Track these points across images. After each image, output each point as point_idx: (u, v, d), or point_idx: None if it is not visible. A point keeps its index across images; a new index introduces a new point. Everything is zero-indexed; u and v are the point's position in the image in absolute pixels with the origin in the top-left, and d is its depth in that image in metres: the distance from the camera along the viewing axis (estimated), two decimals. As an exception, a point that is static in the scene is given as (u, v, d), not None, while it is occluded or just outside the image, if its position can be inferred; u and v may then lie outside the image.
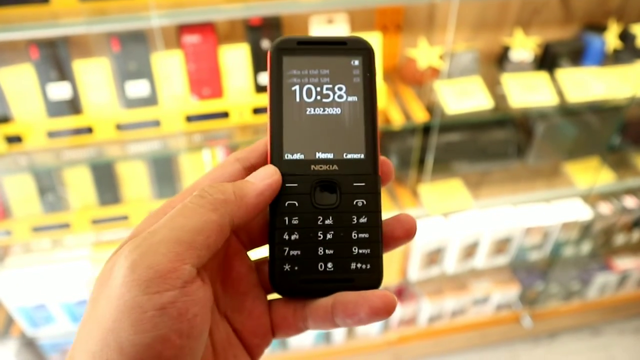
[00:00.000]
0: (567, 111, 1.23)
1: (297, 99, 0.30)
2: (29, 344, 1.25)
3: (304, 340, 1.43)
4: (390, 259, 1.24)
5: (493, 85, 1.12)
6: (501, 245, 1.34)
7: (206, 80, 0.96)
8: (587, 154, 1.35)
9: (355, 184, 0.29)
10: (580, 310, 1.62)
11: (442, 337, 1.54)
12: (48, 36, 0.89)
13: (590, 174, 1.33)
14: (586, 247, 1.46)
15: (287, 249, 0.28)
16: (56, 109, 0.93)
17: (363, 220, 0.29)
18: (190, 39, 0.92)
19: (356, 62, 0.30)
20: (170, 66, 0.94)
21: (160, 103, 0.96)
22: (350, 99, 0.30)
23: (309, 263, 0.28)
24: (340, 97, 0.30)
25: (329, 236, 0.28)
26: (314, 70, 0.30)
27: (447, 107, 1.05)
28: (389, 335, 1.48)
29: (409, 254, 1.29)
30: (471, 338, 1.56)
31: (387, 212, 1.22)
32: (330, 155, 0.29)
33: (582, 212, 1.36)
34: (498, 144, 1.22)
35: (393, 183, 1.28)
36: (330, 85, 0.30)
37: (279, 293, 0.29)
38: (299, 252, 0.28)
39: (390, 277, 1.31)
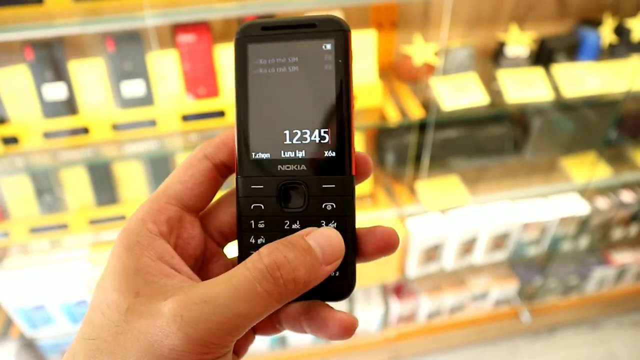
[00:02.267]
0: (564, 106, 1.23)
1: (264, 92, 0.27)
2: (29, 345, 1.25)
3: (303, 338, 1.43)
4: (388, 256, 1.24)
5: (489, 81, 1.12)
6: (499, 241, 1.34)
7: (202, 80, 0.96)
8: (583, 148, 1.35)
9: (324, 186, 0.26)
10: (579, 304, 1.62)
11: (441, 334, 1.54)
12: (43, 37, 0.89)
13: (587, 168, 1.34)
14: (584, 242, 1.46)
15: (254, 252, 0.27)
16: (52, 109, 0.93)
17: (332, 225, 0.26)
18: (185, 38, 0.92)
19: (328, 47, 0.27)
20: (165, 66, 0.94)
21: (156, 103, 0.96)
22: (321, 89, 0.27)
23: None
24: (310, 88, 0.27)
25: None
26: (281, 58, 0.27)
27: (443, 104, 1.05)
28: (388, 332, 1.48)
29: (407, 250, 1.29)
30: (470, 334, 1.57)
31: (385, 210, 1.22)
32: (299, 154, 0.27)
33: (580, 207, 1.36)
34: (494, 139, 1.22)
35: (390, 180, 1.28)
36: (300, 75, 0.27)
37: None
38: None
39: (388, 274, 1.31)
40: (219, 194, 0.31)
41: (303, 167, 0.27)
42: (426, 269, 1.35)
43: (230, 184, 0.30)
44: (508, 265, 1.55)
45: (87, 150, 0.98)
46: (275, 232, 0.27)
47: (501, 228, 1.30)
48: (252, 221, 0.27)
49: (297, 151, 0.27)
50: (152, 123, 0.96)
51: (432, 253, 1.31)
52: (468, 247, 1.33)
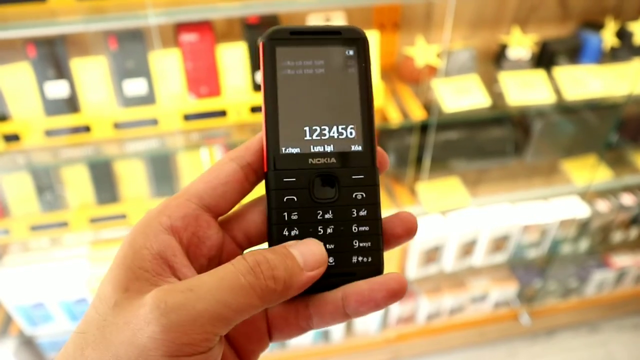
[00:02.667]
0: (565, 109, 1.23)
1: (292, 91, 0.29)
2: (28, 342, 1.25)
3: (303, 338, 1.43)
4: (389, 257, 1.25)
5: (490, 83, 1.12)
6: (499, 243, 1.34)
7: (204, 79, 0.96)
8: (584, 151, 1.36)
9: (354, 177, 0.28)
10: (578, 307, 1.62)
11: (441, 335, 1.54)
12: (45, 34, 0.89)
13: (588, 171, 1.34)
14: (584, 245, 1.46)
15: None
16: (54, 107, 0.93)
17: (363, 213, 0.28)
18: (188, 37, 0.92)
19: (351, 52, 0.29)
20: (167, 65, 0.94)
21: (158, 101, 0.96)
22: (346, 90, 0.29)
23: None
24: (335, 88, 0.29)
25: (329, 230, 0.28)
26: (308, 61, 0.29)
27: (444, 105, 1.05)
28: (387, 333, 1.48)
29: (407, 252, 1.29)
30: (469, 336, 1.57)
31: (386, 211, 1.23)
32: (328, 148, 0.29)
33: (580, 210, 1.36)
34: (496, 141, 1.22)
35: (391, 181, 1.28)
36: (325, 77, 0.29)
37: None
38: None
39: (388, 275, 1.31)
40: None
41: (333, 160, 0.28)
42: (426, 270, 1.35)
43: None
44: (508, 267, 1.55)
45: (89, 149, 0.98)
46: (308, 222, 0.28)
47: (501, 230, 1.30)
48: (285, 213, 0.28)
49: (325, 145, 0.29)
50: (154, 122, 0.96)
51: (432, 254, 1.31)
52: (468, 248, 1.33)
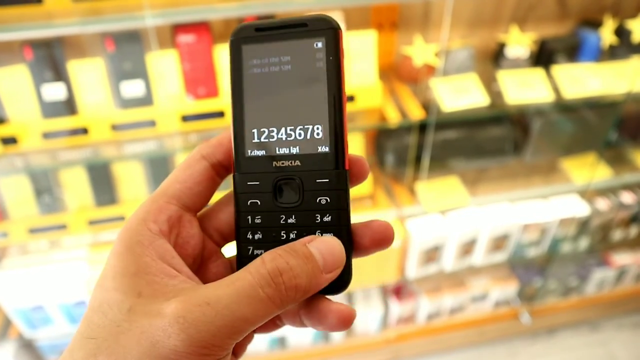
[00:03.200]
0: (564, 107, 1.23)
1: (258, 91, 0.28)
2: (27, 345, 1.25)
3: (303, 338, 1.43)
4: (388, 257, 1.25)
5: (489, 82, 1.12)
6: (499, 242, 1.34)
7: (201, 80, 0.96)
8: (584, 150, 1.35)
9: (318, 180, 0.27)
10: (579, 306, 1.62)
11: (441, 335, 1.54)
12: (42, 37, 0.89)
13: (587, 170, 1.34)
14: (584, 243, 1.46)
15: (252, 248, 0.28)
16: (51, 109, 0.92)
17: (327, 219, 0.27)
18: (185, 38, 0.92)
19: (319, 45, 0.27)
20: (165, 66, 0.93)
21: (156, 103, 0.96)
22: (313, 87, 0.27)
23: None
24: (302, 85, 0.27)
25: (292, 235, 0.27)
26: (275, 57, 0.28)
27: (443, 105, 1.05)
28: (387, 333, 1.48)
29: (407, 251, 1.29)
30: (470, 335, 1.57)
31: (385, 211, 1.22)
32: (293, 150, 0.27)
33: (580, 208, 1.36)
34: (495, 140, 1.22)
35: (390, 181, 1.28)
36: (293, 73, 0.27)
37: None
38: (263, 252, 0.27)
39: (388, 275, 1.31)
40: (217, 195, 0.31)
41: (297, 162, 0.27)
42: (426, 270, 1.35)
43: (228, 185, 0.30)
44: (508, 266, 1.55)
45: (87, 151, 0.98)
46: (272, 227, 0.27)
47: (501, 229, 1.30)
48: (249, 217, 0.28)
49: (291, 147, 0.27)
50: (152, 123, 0.95)
51: (432, 254, 1.31)
52: (468, 248, 1.33)
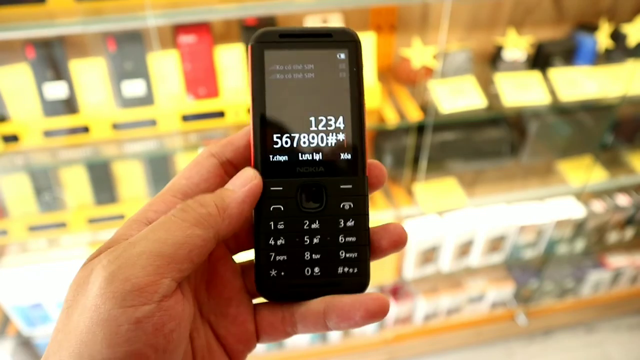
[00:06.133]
0: (560, 110, 1.24)
1: (281, 97, 0.28)
2: (25, 343, 1.25)
3: (300, 339, 1.43)
4: (386, 258, 1.25)
5: (486, 85, 1.13)
6: (496, 244, 1.35)
7: (202, 80, 0.96)
8: (580, 152, 1.37)
9: (341, 187, 0.28)
10: (575, 307, 1.63)
11: (438, 336, 1.54)
12: (44, 36, 0.89)
13: (583, 172, 1.35)
14: (580, 245, 1.47)
15: (273, 254, 0.27)
16: (52, 108, 0.93)
17: (350, 223, 0.28)
18: (186, 38, 0.93)
19: (342, 56, 0.28)
20: (166, 66, 0.94)
21: (156, 103, 0.97)
22: (336, 95, 0.28)
23: (295, 268, 0.28)
24: (325, 93, 0.28)
25: (315, 240, 0.28)
26: (298, 65, 0.28)
27: (441, 106, 1.06)
28: (384, 333, 1.49)
29: (404, 252, 1.29)
30: (466, 336, 1.57)
31: (383, 212, 1.23)
32: (316, 157, 0.28)
33: (576, 210, 1.37)
34: (492, 142, 1.23)
35: (388, 182, 1.29)
36: (315, 81, 0.28)
37: (266, 298, 0.28)
38: (285, 257, 0.27)
39: (385, 275, 1.32)
40: None
41: (321, 168, 0.28)
42: (423, 270, 1.36)
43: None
44: (504, 267, 1.56)
45: (87, 149, 0.98)
46: (294, 232, 0.28)
47: (498, 230, 1.31)
48: (272, 222, 0.28)
49: (314, 154, 0.28)
50: (152, 123, 0.96)
51: (429, 255, 1.32)
52: (465, 249, 1.34)
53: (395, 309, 1.44)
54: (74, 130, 0.94)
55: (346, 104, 0.28)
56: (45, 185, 1.05)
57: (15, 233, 1.05)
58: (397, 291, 1.46)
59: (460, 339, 1.57)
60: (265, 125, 0.28)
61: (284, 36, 0.28)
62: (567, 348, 1.60)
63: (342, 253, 0.28)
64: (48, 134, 0.93)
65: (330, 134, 0.28)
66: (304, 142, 0.28)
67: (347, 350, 1.49)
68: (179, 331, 0.23)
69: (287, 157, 0.28)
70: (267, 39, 0.28)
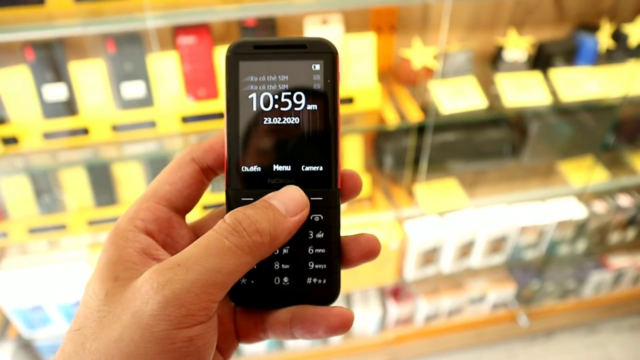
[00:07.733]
0: (561, 110, 1.24)
1: (254, 108, 0.28)
2: (26, 345, 1.25)
3: (301, 340, 1.43)
4: (386, 259, 1.25)
5: (487, 85, 1.13)
6: (497, 244, 1.35)
7: (202, 81, 0.96)
8: (581, 153, 1.36)
9: (312, 199, 0.28)
10: (576, 308, 1.63)
11: (439, 337, 1.54)
12: (43, 37, 0.89)
13: (585, 172, 1.34)
14: (581, 246, 1.47)
15: None
16: (52, 110, 0.93)
17: (320, 235, 0.28)
18: (186, 40, 0.93)
19: (317, 67, 0.28)
20: (165, 67, 0.94)
21: (156, 104, 0.96)
22: (309, 107, 0.28)
23: (265, 277, 0.28)
24: (299, 105, 0.28)
25: (284, 251, 0.28)
26: (272, 76, 0.28)
27: (441, 107, 1.06)
28: (385, 334, 1.49)
29: (405, 253, 1.29)
30: (468, 337, 1.57)
31: (384, 213, 1.22)
32: (287, 168, 0.28)
33: (577, 211, 1.37)
34: (493, 143, 1.23)
35: (389, 183, 1.29)
36: (289, 93, 0.28)
37: (237, 304, 0.29)
38: (255, 266, 0.27)
39: (386, 276, 1.31)
40: (205, 196, 0.31)
41: (292, 180, 0.28)
42: (424, 271, 1.35)
43: (218, 187, 0.30)
44: (505, 268, 1.55)
45: (87, 151, 0.98)
46: None
47: (499, 231, 1.31)
48: None
49: (285, 165, 0.28)
50: (152, 124, 0.96)
51: (430, 256, 1.31)
52: (466, 250, 1.33)
53: (397, 310, 1.43)
54: (73, 132, 0.94)
55: (320, 115, 0.28)
56: (45, 187, 1.05)
57: (15, 235, 1.05)
58: (398, 292, 1.46)
59: (461, 340, 1.57)
60: (237, 136, 0.28)
61: (259, 47, 0.28)
62: (569, 349, 1.60)
63: (311, 264, 0.28)
64: (48, 135, 0.93)
65: (302, 145, 0.28)
66: (275, 154, 0.28)
67: (348, 352, 1.49)
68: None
69: (259, 168, 0.28)
70: (242, 50, 0.28)
